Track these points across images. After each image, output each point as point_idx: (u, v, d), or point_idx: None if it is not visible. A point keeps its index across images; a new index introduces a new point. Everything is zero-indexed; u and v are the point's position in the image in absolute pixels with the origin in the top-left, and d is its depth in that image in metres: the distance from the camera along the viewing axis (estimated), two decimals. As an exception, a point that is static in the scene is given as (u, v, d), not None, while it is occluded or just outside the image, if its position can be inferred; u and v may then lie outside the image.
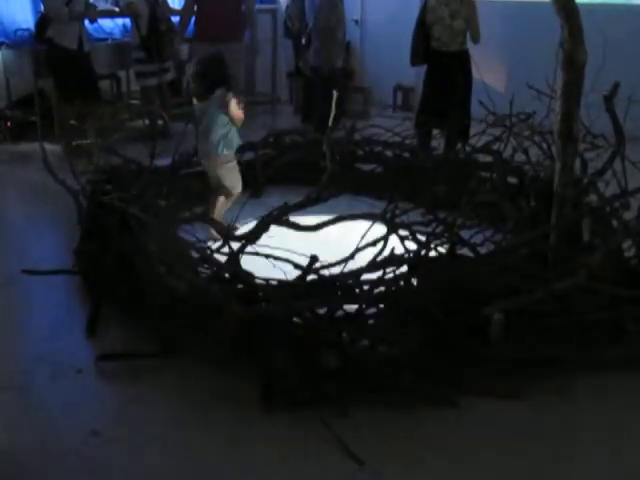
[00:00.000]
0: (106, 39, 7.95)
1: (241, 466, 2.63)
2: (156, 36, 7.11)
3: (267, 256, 3.31)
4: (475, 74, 5.80)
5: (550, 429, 2.85)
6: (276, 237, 3.66)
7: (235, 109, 4.57)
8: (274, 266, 3.29)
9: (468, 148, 5.35)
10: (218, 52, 4.83)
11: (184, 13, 6.71)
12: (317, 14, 7.25)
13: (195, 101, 4.68)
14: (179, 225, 4.15)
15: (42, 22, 6.68)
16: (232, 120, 4.60)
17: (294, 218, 3.60)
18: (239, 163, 4.89)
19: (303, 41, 7.92)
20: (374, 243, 3.32)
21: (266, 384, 2.96)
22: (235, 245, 3.43)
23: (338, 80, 7.29)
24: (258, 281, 3.20)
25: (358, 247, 3.28)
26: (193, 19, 6.67)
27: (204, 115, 4.63)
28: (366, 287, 3.17)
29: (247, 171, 5.50)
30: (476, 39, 5.83)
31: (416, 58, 6.05)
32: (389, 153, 5.72)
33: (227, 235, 3.52)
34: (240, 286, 3.23)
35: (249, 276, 3.22)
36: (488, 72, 6.04)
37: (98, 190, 4.46)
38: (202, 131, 4.66)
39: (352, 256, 3.26)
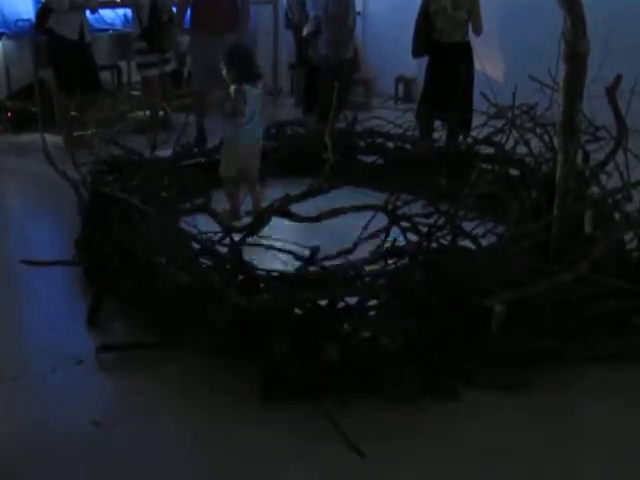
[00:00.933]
0: (107, 29, 7.93)
1: (242, 458, 2.63)
2: (157, 27, 7.10)
3: (268, 247, 3.31)
4: (477, 66, 5.79)
5: (552, 424, 2.84)
6: (277, 228, 3.66)
7: None
8: (275, 257, 3.29)
9: (470, 140, 5.35)
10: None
11: (180, 3, 6.69)
12: (327, 3, 7.23)
13: (237, 85, 4.66)
14: (180, 216, 4.14)
15: (43, 12, 6.67)
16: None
17: (295, 209, 3.59)
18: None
19: (304, 32, 7.90)
20: (375, 234, 3.32)
21: (267, 377, 2.96)
22: (236, 236, 3.42)
23: (345, 71, 7.27)
24: (259, 272, 3.19)
25: (359, 238, 3.27)
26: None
27: (255, 101, 4.72)
28: (367, 279, 3.17)
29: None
30: (478, 31, 5.82)
31: (418, 50, 6.04)
32: (391, 145, 5.72)
33: (228, 226, 3.51)
34: (241, 277, 3.23)
35: (250, 267, 3.22)
36: (490, 64, 6.03)
37: (99, 181, 4.46)
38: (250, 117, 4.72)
39: (353, 247, 3.26)
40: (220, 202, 4.82)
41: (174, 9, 7.09)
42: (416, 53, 6.09)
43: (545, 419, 2.88)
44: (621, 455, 2.69)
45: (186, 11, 6.63)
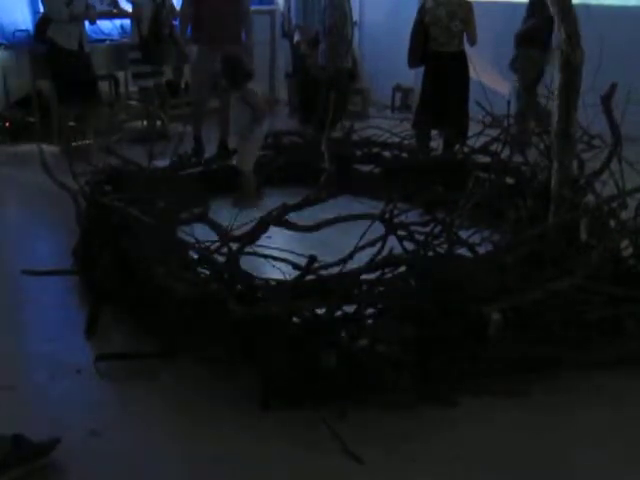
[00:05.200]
0: (104, 40, 7.96)
1: (241, 466, 2.63)
2: (157, 39, 7.13)
3: (266, 256, 3.32)
4: (473, 75, 5.82)
5: (549, 429, 2.86)
6: (275, 237, 3.67)
7: None
8: (273, 266, 3.30)
9: (466, 149, 5.37)
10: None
11: (182, 17, 6.72)
12: (323, 13, 7.27)
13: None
14: (178, 226, 4.15)
15: (42, 22, 6.70)
16: None
17: (293, 219, 3.60)
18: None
19: (294, 40, 7.96)
20: (372, 243, 3.33)
21: (265, 384, 2.97)
22: (234, 246, 3.44)
23: (343, 81, 7.30)
24: (257, 281, 3.20)
25: (357, 247, 3.28)
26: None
27: None
28: (365, 287, 3.18)
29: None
30: (473, 40, 5.86)
31: (414, 59, 6.07)
32: (387, 154, 5.73)
33: (225, 236, 3.52)
34: (239, 287, 3.24)
35: (248, 276, 3.23)
36: (486, 73, 6.06)
37: (97, 191, 4.47)
38: None
39: (351, 256, 3.27)
40: (218, 211, 4.84)
41: (176, 23, 7.13)
42: (412, 63, 6.13)
43: (544, 423, 2.89)
44: (621, 457, 2.71)
45: (188, 24, 6.66)
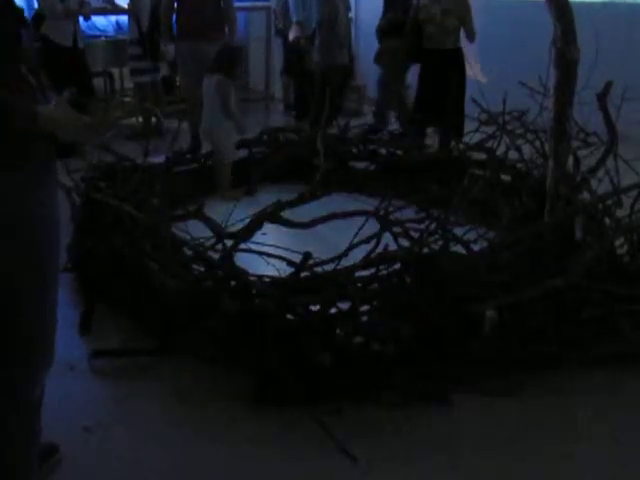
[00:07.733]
0: (99, 36, 7.94)
1: (236, 464, 2.63)
2: (155, 34, 7.12)
3: (260, 253, 3.31)
4: (468, 72, 5.81)
5: (546, 427, 2.86)
6: (269, 234, 3.66)
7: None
8: (267, 263, 3.29)
9: (462, 146, 5.37)
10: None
11: (163, 12, 6.68)
12: (317, 9, 7.27)
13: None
14: (172, 223, 4.14)
15: (36, 19, 6.68)
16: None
17: (287, 215, 3.60)
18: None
19: (290, 37, 7.98)
20: (367, 240, 3.33)
21: (260, 382, 2.97)
22: (228, 242, 3.43)
23: (337, 78, 7.29)
24: (251, 278, 3.20)
25: (351, 244, 3.28)
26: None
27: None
28: (359, 284, 3.17)
29: (241, 169, 5.53)
30: (471, 37, 5.85)
31: (409, 57, 6.07)
32: (383, 151, 5.73)
33: (220, 233, 3.51)
34: (233, 283, 3.23)
35: (242, 273, 3.22)
36: (481, 70, 6.06)
37: (91, 187, 4.45)
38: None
39: (345, 253, 3.26)
40: (213, 208, 4.82)
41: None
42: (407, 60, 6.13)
43: (541, 422, 2.89)
44: (619, 456, 2.70)
45: (170, 19, 6.63)
